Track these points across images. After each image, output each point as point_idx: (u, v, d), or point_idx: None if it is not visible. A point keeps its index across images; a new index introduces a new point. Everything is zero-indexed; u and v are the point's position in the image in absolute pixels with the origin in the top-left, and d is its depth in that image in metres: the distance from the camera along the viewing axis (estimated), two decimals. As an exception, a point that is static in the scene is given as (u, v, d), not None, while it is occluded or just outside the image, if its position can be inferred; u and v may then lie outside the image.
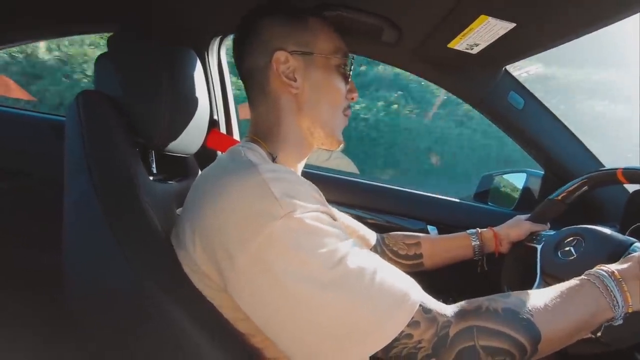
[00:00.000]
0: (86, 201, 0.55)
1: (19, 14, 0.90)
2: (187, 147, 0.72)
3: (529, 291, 0.51)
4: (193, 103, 0.70)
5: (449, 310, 0.48)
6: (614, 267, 0.53)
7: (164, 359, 0.51)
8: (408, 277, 0.49)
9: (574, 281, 0.52)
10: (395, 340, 0.44)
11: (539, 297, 0.50)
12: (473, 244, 0.87)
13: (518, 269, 0.83)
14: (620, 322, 0.51)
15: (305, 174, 0.83)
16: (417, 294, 0.47)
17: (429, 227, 1.10)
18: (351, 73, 0.66)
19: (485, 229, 0.89)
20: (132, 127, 0.63)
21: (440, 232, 1.11)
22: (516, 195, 1.21)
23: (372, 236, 0.89)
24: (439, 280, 0.89)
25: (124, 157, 0.59)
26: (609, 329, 0.52)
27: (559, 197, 0.82)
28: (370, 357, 0.46)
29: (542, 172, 1.09)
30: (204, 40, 0.99)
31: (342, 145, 0.67)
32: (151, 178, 0.69)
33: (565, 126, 0.97)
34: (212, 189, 0.50)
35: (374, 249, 0.89)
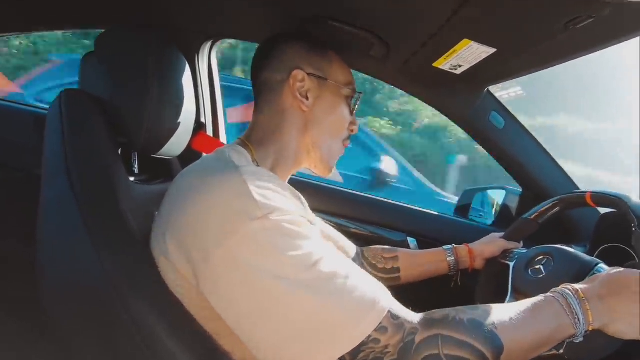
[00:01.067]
0: (63, 201, 0.55)
1: (18, 5, 0.89)
2: (171, 149, 0.72)
3: (496, 305, 0.53)
4: (179, 105, 0.70)
5: (416, 318, 0.49)
6: (578, 286, 0.55)
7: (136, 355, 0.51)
8: (379, 283, 0.50)
9: (540, 297, 0.54)
10: (363, 344, 0.45)
11: (504, 311, 0.51)
12: (448, 259, 0.89)
13: (491, 285, 0.85)
14: (581, 339, 0.53)
15: (291, 181, 0.85)
16: (387, 301, 0.48)
17: (409, 239, 1.12)
18: (356, 108, 0.71)
19: (460, 246, 0.91)
20: (115, 128, 0.63)
21: (420, 244, 1.13)
22: (495, 211, 1.25)
23: (351, 249, 0.91)
24: (413, 293, 0.91)
25: (105, 159, 0.59)
26: (571, 346, 0.54)
27: (532, 217, 0.85)
28: None
29: (520, 190, 1.12)
30: (195, 44, 0.99)
31: (330, 175, 0.70)
32: (132, 179, 0.69)
33: (543, 148, 1.01)
34: (193, 187, 0.51)
35: (353, 261, 0.90)
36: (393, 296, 0.50)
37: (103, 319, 0.53)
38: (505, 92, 1.08)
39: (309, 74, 0.65)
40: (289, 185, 0.57)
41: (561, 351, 0.56)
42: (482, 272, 0.89)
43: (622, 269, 0.58)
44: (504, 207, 1.19)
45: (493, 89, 0.95)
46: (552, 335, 0.51)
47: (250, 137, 0.66)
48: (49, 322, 0.56)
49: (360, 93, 0.71)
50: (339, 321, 0.45)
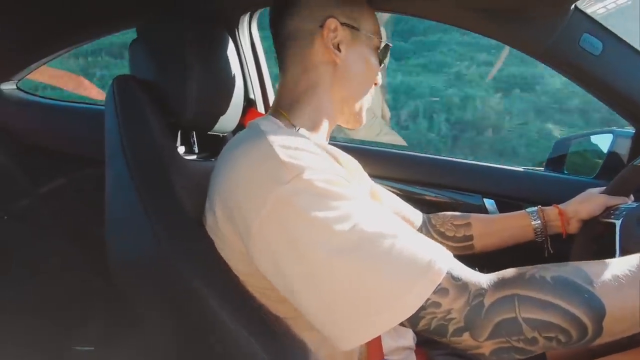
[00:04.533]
0: (122, 181, 0.58)
1: (60, 22, 0.97)
2: (223, 126, 0.72)
3: (593, 261, 0.42)
4: (225, 82, 0.70)
5: (484, 278, 0.41)
6: None
7: (196, 336, 0.53)
8: (437, 244, 0.44)
9: None
10: (422, 309, 0.40)
11: (605, 267, 0.41)
12: (533, 223, 0.76)
13: (591, 250, 0.70)
14: None
15: (351, 150, 0.81)
16: (445, 260, 0.41)
17: (486, 201, 0.99)
18: (385, 59, 0.67)
19: (548, 207, 0.77)
20: (163, 108, 0.64)
21: (503, 207, 0.98)
22: (599, 160, 1.03)
23: (417, 217, 0.83)
24: (494, 265, 0.80)
25: (155, 139, 0.61)
26: None
27: None
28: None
29: (633, 131, 0.90)
30: (233, 18, 0.97)
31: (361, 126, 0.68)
32: (193, 157, 0.72)
33: (661, 70, 0.78)
34: (226, 160, 0.51)
35: (419, 230, 0.82)
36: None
37: (163, 294, 0.56)
38: (602, 4, 0.85)
39: (342, 24, 0.60)
40: (330, 146, 0.54)
41: None
42: (578, 236, 0.74)
43: None
44: (612, 155, 0.97)
45: (583, 4, 0.75)
46: None
47: (280, 103, 0.62)
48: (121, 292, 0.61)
49: (389, 45, 0.67)
50: (391, 285, 0.40)
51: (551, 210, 0.77)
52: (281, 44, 0.63)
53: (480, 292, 0.40)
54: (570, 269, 0.41)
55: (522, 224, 0.77)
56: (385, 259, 0.40)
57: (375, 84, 0.67)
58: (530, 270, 0.41)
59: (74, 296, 1.01)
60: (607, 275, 0.40)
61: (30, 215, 1.09)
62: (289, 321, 0.52)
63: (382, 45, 0.66)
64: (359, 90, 0.64)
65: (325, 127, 0.63)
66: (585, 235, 0.73)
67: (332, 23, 0.60)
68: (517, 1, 0.68)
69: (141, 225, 0.54)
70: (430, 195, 1.05)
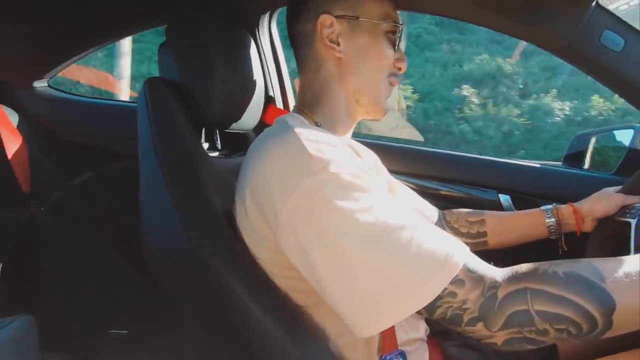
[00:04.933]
0: (155, 179, 0.62)
1: (90, 22, 1.01)
2: (245, 124, 0.75)
3: (605, 258, 0.44)
4: (246, 81, 0.72)
5: (498, 272, 0.44)
6: None
7: (224, 323, 0.57)
8: (454, 237, 0.46)
9: None
10: (438, 298, 0.42)
11: (617, 264, 0.42)
12: (547, 221, 0.77)
13: (606, 249, 0.71)
14: None
15: (368, 145, 0.83)
16: (462, 253, 0.44)
17: (501, 196, 0.99)
18: (400, 41, 0.63)
19: (563, 205, 0.77)
20: (191, 108, 0.68)
21: (516, 201, 0.99)
22: (619, 156, 1.02)
23: (433, 213, 0.85)
24: (508, 262, 0.80)
25: (184, 138, 0.65)
26: None
27: None
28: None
29: (655, 128, 0.89)
30: (254, 18, 1.00)
31: (386, 114, 0.65)
32: (216, 154, 0.75)
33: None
34: (257, 153, 0.53)
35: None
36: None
37: (194, 287, 0.60)
38: (624, 0, 0.84)
39: (337, 17, 0.60)
40: (351, 140, 0.55)
41: None
42: (593, 235, 0.74)
43: None
44: (632, 151, 0.96)
45: (604, 0, 0.74)
46: None
47: (304, 102, 0.64)
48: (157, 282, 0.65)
49: (401, 24, 0.63)
50: (409, 275, 0.42)
51: (566, 209, 0.77)
52: (294, 46, 0.65)
53: (495, 285, 0.42)
54: (582, 265, 0.43)
55: (537, 221, 0.78)
56: (406, 250, 0.42)
57: (400, 68, 0.65)
58: (543, 265, 0.43)
59: (107, 283, 1.07)
60: (619, 272, 0.41)
61: (64, 207, 1.15)
62: (310, 309, 0.55)
63: (396, 27, 0.62)
64: (371, 80, 0.62)
65: (346, 122, 0.64)
66: (600, 233, 0.74)
67: (326, 19, 0.60)
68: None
69: (172, 220, 0.58)
70: (445, 190, 1.06)
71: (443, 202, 0.97)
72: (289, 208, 0.46)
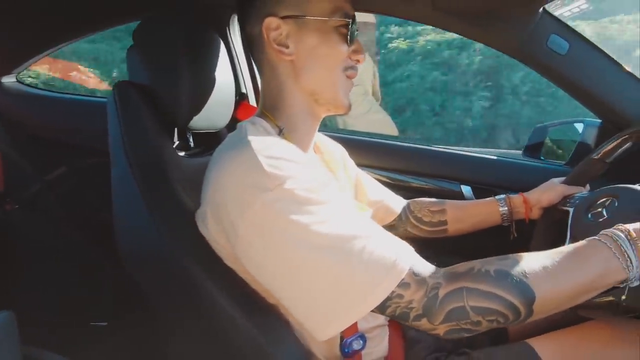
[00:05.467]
0: (126, 179, 0.64)
1: (59, 17, 1.00)
2: (216, 123, 0.77)
3: (530, 253, 0.50)
4: (215, 81, 0.74)
5: (439, 273, 0.49)
6: (632, 226, 0.49)
7: (197, 316, 0.60)
8: (402, 242, 0.51)
9: (584, 242, 0.50)
10: (388, 299, 0.47)
11: (538, 259, 0.49)
12: (501, 210, 0.83)
13: (549, 235, 0.78)
14: (637, 283, 0.48)
15: (337, 139, 0.86)
16: (408, 258, 0.49)
17: (463, 187, 1.06)
18: (354, 33, 0.62)
19: (514, 195, 0.84)
20: (160, 109, 0.69)
21: (477, 192, 1.06)
22: (571, 148, 1.10)
23: (398, 204, 0.90)
24: (466, 246, 0.88)
25: (154, 139, 0.67)
26: (632, 291, 0.49)
27: (599, 156, 0.73)
28: None
29: (600, 122, 0.96)
30: (224, 19, 1.01)
31: (350, 109, 0.64)
32: (189, 153, 0.77)
33: (623, 68, 0.83)
34: (215, 165, 0.54)
35: (399, 216, 0.89)
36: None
37: (166, 280, 0.63)
38: (567, 8, 0.90)
39: (283, 17, 0.58)
40: (302, 153, 0.55)
41: (623, 297, 0.51)
42: (539, 222, 0.81)
43: None
44: (582, 144, 1.04)
45: (550, 7, 0.79)
46: (598, 280, 0.47)
47: (265, 106, 0.64)
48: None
49: (353, 16, 0.61)
50: (361, 280, 0.46)
51: (517, 198, 0.83)
52: (249, 51, 0.65)
53: (436, 286, 0.47)
54: (509, 263, 0.48)
55: (491, 210, 0.84)
56: (358, 258, 0.47)
57: (358, 60, 0.63)
58: (477, 265, 0.49)
59: (85, 276, 1.09)
60: (539, 266, 0.47)
61: (39, 204, 1.16)
62: (276, 305, 0.58)
63: (344, 20, 0.60)
64: (327, 78, 0.60)
65: (309, 122, 0.64)
66: (545, 221, 0.81)
67: (271, 22, 0.58)
68: (488, 3, 0.72)
69: (144, 219, 0.61)
70: (413, 182, 1.12)
71: (410, 193, 1.02)
72: (246, 223, 0.48)
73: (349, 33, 0.60)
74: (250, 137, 0.53)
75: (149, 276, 0.65)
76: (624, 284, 0.49)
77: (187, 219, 0.60)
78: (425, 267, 0.50)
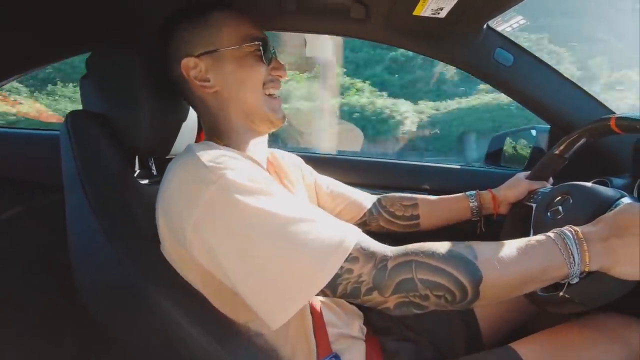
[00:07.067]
0: (82, 209, 0.62)
1: (9, 49, 0.97)
2: (179, 148, 0.76)
3: (483, 242, 0.52)
4: (176, 107, 0.73)
5: (389, 249, 0.51)
6: (582, 227, 0.53)
7: (157, 345, 0.58)
8: (350, 224, 0.52)
9: (536, 237, 0.53)
10: (337, 276, 0.48)
11: (490, 246, 0.51)
12: (471, 205, 0.86)
13: (516, 230, 0.81)
14: (577, 280, 0.52)
15: (302, 157, 0.87)
16: (356, 235, 0.50)
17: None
18: (272, 53, 0.66)
19: (484, 191, 0.87)
20: (119, 138, 0.68)
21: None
22: (527, 153, 1.16)
23: (366, 200, 0.91)
24: (436, 240, 0.88)
25: (110, 168, 0.65)
26: (574, 287, 0.53)
27: (558, 151, 0.78)
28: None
29: (549, 127, 1.03)
30: None
31: (284, 121, 0.68)
32: (150, 180, 0.75)
33: (563, 76, 0.90)
34: (164, 179, 0.56)
35: (370, 211, 0.90)
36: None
37: (126, 308, 0.60)
38: (508, 24, 0.97)
39: (198, 55, 0.62)
40: (243, 154, 0.57)
41: (561, 293, 0.54)
42: (506, 217, 0.84)
43: (635, 204, 0.52)
44: (536, 149, 1.10)
45: (494, 23, 0.85)
46: (541, 273, 0.50)
47: (210, 134, 0.67)
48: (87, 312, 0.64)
49: (264, 38, 0.65)
50: (310, 259, 0.47)
51: (486, 194, 0.87)
52: (179, 91, 0.67)
53: (385, 258, 0.49)
54: (462, 246, 0.51)
55: (462, 205, 0.87)
56: (304, 239, 0.48)
57: (280, 76, 0.66)
58: (430, 244, 0.50)
59: (44, 320, 1.02)
60: (489, 253, 0.50)
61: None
62: (247, 323, 0.58)
63: (256, 44, 0.63)
64: (252, 100, 0.64)
65: (252, 140, 0.66)
66: (512, 216, 0.84)
67: (188, 62, 0.62)
68: (435, 23, 0.76)
69: (102, 249, 0.59)
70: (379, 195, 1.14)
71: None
72: (195, 217, 0.49)
73: (264, 54, 0.64)
74: (194, 148, 0.55)
75: (109, 306, 0.62)
76: (565, 280, 0.52)
77: (149, 244, 0.59)
78: (374, 243, 0.51)
